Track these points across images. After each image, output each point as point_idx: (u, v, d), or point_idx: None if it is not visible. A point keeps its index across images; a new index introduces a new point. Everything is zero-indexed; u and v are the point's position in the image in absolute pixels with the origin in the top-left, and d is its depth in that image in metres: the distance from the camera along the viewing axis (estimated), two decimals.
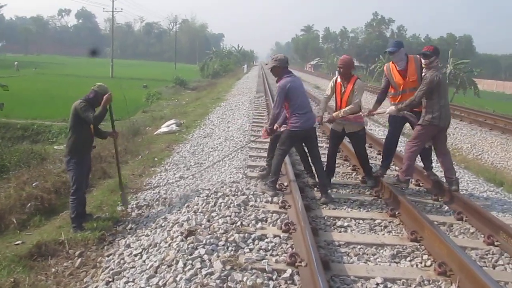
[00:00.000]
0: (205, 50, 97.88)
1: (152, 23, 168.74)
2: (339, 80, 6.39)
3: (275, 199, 5.72)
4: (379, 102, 6.77)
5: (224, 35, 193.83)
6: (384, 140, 6.93)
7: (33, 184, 7.49)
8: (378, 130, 12.62)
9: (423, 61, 5.97)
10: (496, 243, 4.79)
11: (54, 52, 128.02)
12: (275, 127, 6.20)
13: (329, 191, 6.11)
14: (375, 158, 8.55)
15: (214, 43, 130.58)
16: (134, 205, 6.40)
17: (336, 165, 7.73)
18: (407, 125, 6.89)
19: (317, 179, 6.32)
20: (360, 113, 6.24)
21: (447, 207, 5.98)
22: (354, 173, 7.39)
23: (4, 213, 6.49)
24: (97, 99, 5.84)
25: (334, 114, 6.34)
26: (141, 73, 57.20)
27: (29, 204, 6.72)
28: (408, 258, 4.42)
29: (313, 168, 6.36)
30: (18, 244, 5.54)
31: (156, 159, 9.29)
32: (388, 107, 6.45)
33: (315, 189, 6.37)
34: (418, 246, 4.65)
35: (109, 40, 76.00)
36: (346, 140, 7.28)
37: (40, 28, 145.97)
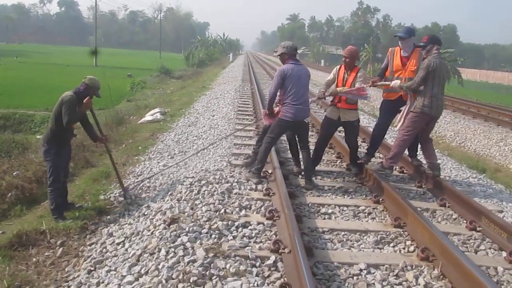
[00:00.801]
0: (190, 39, 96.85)
1: (136, 11, 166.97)
2: (343, 69, 6.36)
3: (259, 186, 5.70)
4: (380, 75, 6.76)
5: (209, 23, 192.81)
6: (372, 128, 6.91)
7: (14, 174, 7.35)
8: (363, 119, 12.65)
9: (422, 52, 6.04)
10: (478, 229, 4.85)
11: (37, 41, 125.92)
12: (274, 109, 6.11)
13: (313, 178, 6.10)
14: (360, 146, 8.55)
15: (199, 32, 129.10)
16: (117, 194, 6.32)
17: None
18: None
19: (302, 166, 6.31)
20: (363, 85, 6.12)
21: (430, 194, 6.03)
22: (338, 161, 7.39)
23: None
24: (87, 92, 5.73)
25: (338, 89, 6.23)
26: (125, 62, 56.52)
27: (10, 194, 6.59)
28: (392, 244, 4.45)
29: (300, 154, 6.34)
30: None
31: (140, 147, 9.19)
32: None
33: (300, 176, 6.35)
34: (402, 232, 4.69)
35: (93, 29, 74.92)
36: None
37: (22, 16, 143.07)
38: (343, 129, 6.64)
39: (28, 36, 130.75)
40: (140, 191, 6.30)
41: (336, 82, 6.39)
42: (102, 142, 6.21)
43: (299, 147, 6.37)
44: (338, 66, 6.50)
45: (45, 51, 77.67)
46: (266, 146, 5.97)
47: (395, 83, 6.23)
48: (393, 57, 6.51)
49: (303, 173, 6.25)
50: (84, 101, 5.65)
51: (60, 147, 5.72)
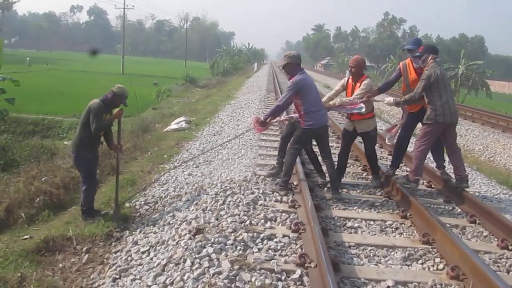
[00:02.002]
0: (216, 48, 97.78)
1: (163, 20, 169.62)
2: (350, 80, 6.34)
3: (284, 198, 5.66)
4: (380, 89, 6.73)
5: (234, 33, 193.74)
6: (395, 141, 6.85)
7: (42, 179, 7.49)
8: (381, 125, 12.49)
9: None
10: (510, 247, 4.69)
11: (66, 49, 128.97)
12: (268, 120, 6.02)
13: (339, 189, 6.05)
14: (385, 159, 8.46)
15: (224, 41, 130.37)
16: (143, 202, 6.36)
17: (347, 165, 7.68)
18: (419, 125, 6.80)
19: (327, 177, 6.26)
20: (357, 100, 6.07)
21: (459, 209, 5.88)
22: (364, 173, 7.29)
23: (13, 207, 6.50)
24: (114, 100, 5.89)
25: (331, 103, 6.31)
26: (151, 70, 57.30)
27: (38, 199, 6.72)
28: (420, 261, 4.34)
29: (324, 166, 6.28)
30: (26, 238, 5.52)
31: (165, 156, 9.25)
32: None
33: (325, 189, 6.29)
34: (430, 249, 4.57)
35: (120, 37, 76.26)
36: (357, 140, 7.21)
37: (52, 25, 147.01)
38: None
39: (57, 44, 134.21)
40: (165, 199, 6.32)
41: (346, 93, 6.38)
42: (116, 151, 6.22)
43: (321, 158, 6.29)
44: (347, 78, 6.46)
45: (74, 58, 79.44)
46: (291, 157, 5.92)
47: (389, 100, 6.33)
48: (406, 71, 6.49)
49: (328, 184, 6.19)
50: (116, 111, 5.85)
51: (89, 153, 5.89)
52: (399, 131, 6.61)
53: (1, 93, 11.50)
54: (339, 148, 6.91)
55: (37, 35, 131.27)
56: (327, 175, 6.28)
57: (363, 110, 6.03)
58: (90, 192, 5.92)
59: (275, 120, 6.31)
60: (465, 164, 6.68)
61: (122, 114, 6.00)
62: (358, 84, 6.18)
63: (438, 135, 6.13)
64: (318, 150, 6.38)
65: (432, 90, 5.85)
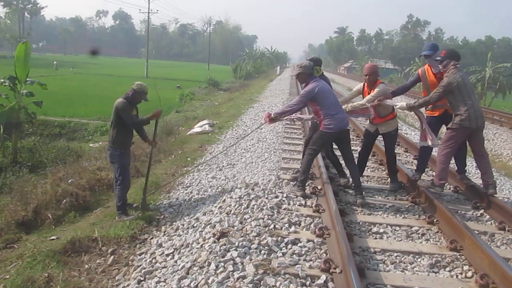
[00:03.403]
0: (238, 51, 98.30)
1: (186, 24, 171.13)
2: (366, 87, 6.49)
3: (308, 202, 5.62)
4: (393, 93, 6.67)
5: (257, 36, 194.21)
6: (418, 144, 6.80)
7: (69, 181, 7.61)
8: (414, 134, 12.33)
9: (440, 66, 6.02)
10: None
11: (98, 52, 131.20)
12: (277, 118, 6.15)
13: (364, 194, 6.01)
14: (411, 163, 8.34)
15: (247, 45, 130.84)
16: (167, 205, 6.41)
17: (371, 169, 7.62)
18: (443, 129, 6.71)
19: (350, 181, 6.26)
20: (366, 104, 6.17)
21: (488, 216, 5.75)
22: (389, 178, 7.18)
23: (41, 208, 6.62)
24: (135, 97, 6.17)
25: (343, 107, 6.32)
26: (175, 74, 57.93)
27: (65, 200, 6.84)
28: (448, 268, 4.24)
29: (348, 171, 6.28)
30: (53, 239, 5.61)
31: (189, 159, 9.31)
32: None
33: (350, 191, 6.25)
34: (458, 256, 4.47)
35: (145, 41, 77.32)
36: (382, 144, 7.14)
37: (79, 29, 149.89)
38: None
39: (84, 48, 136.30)
40: (189, 202, 6.35)
41: (362, 98, 6.49)
42: (151, 144, 6.60)
43: (344, 163, 6.30)
44: (363, 83, 6.57)
45: (99, 62, 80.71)
46: (309, 157, 5.96)
47: (401, 105, 6.30)
48: (425, 76, 6.51)
49: (353, 188, 6.15)
50: (154, 111, 6.28)
51: (121, 149, 6.17)
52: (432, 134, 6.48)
53: (29, 96, 11.76)
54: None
55: (64, 39, 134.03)
56: (349, 176, 6.29)
57: (372, 115, 6.24)
58: (123, 187, 6.12)
59: (284, 118, 6.38)
60: (493, 169, 6.55)
61: (160, 114, 6.37)
62: (373, 90, 6.29)
63: (463, 139, 6.05)
64: (340, 154, 6.38)
65: (454, 96, 5.78)
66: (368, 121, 6.78)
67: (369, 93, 6.33)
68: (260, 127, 9.76)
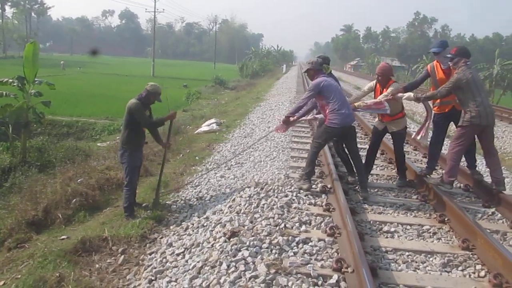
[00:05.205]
0: (245, 50, 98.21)
1: (192, 23, 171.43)
2: (378, 86, 6.48)
3: (318, 201, 5.59)
4: (405, 89, 6.60)
5: (263, 35, 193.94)
6: (429, 142, 6.77)
7: (78, 181, 7.64)
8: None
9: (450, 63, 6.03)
10: None
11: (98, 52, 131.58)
12: (291, 118, 6.30)
13: (367, 187, 6.08)
14: (420, 161, 8.30)
15: (253, 43, 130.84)
16: (176, 204, 6.41)
17: (380, 168, 7.58)
18: (452, 127, 6.68)
19: (356, 176, 6.33)
20: (382, 100, 6.17)
21: (500, 214, 5.69)
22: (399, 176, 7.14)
23: (51, 208, 6.66)
24: (148, 98, 6.16)
25: (356, 104, 6.38)
26: (181, 73, 58.02)
27: (74, 200, 6.86)
28: (460, 268, 4.21)
29: (353, 165, 6.37)
30: (63, 239, 5.64)
31: (197, 158, 9.31)
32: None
33: (356, 187, 6.30)
34: (471, 255, 4.43)
35: (151, 40, 77.46)
36: (390, 143, 7.11)
37: (85, 29, 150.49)
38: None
39: (90, 48, 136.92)
40: (199, 201, 6.35)
41: (374, 96, 6.51)
42: (164, 147, 6.59)
43: (350, 157, 6.37)
44: (375, 81, 6.55)
45: (106, 61, 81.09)
46: (314, 151, 6.02)
47: (409, 95, 6.25)
48: (434, 72, 6.50)
49: (357, 182, 6.25)
50: (170, 113, 6.42)
51: (133, 150, 6.14)
52: (429, 131, 6.52)
53: (38, 96, 11.82)
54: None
55: (70, 39, 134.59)
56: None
57: (388, 111, 6.15)
58: (129, 188, 6.11)
59: (300, 119, 6.56)
60: (502, 167, 6.51)
61: (175, 116, 6.49)
62: (385, 90, 6.28)
63: (473, 136, 6.04)
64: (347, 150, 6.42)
65: (464, 92, 5.77)
66: (376, 118, 6.77)
67: (381, 92, 6.32)
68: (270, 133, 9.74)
